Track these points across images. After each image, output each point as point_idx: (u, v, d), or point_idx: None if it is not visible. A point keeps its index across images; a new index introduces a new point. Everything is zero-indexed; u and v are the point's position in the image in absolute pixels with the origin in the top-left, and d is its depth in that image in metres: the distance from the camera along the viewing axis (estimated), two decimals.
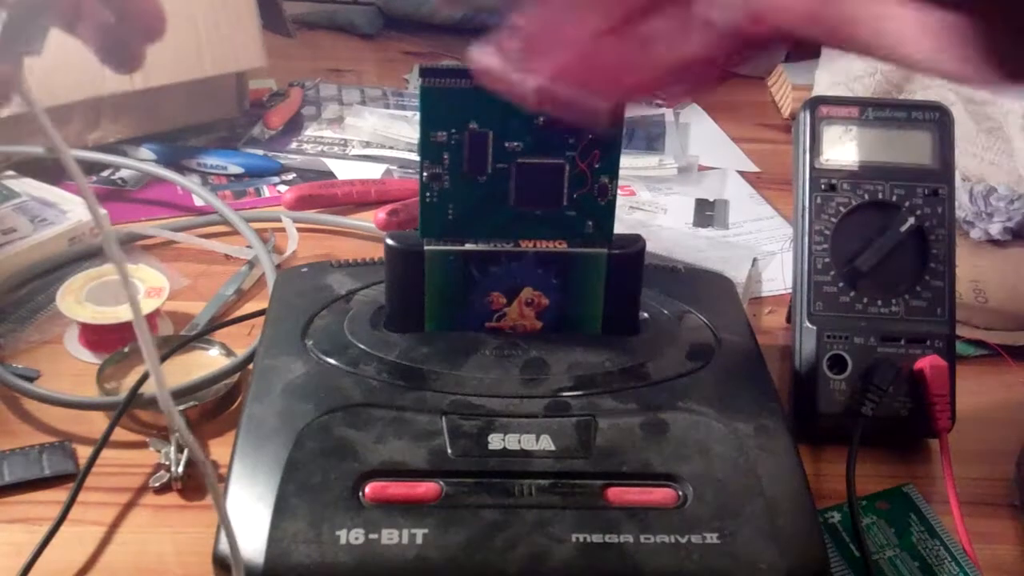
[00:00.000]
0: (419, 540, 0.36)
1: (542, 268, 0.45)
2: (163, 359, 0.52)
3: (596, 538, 0.37)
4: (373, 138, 0.81)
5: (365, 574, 0.36)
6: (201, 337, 0.56)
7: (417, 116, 0.42)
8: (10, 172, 0.69)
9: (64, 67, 0.64)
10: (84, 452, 0.49)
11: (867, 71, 0.78)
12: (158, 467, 0.47)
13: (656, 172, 0.82)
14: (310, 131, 0.83)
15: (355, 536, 0.36)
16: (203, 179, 0.75)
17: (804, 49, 0.35)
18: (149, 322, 0.57)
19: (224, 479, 0.39)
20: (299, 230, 0.69)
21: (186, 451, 0.47)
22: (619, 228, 0.45)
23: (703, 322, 0.49)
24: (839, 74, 0.81)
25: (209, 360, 0.55)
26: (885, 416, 0.50)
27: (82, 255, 0.63)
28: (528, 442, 0.40)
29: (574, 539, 0.37)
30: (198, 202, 0.72)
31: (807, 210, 0.53)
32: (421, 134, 0.42)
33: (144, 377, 0.50)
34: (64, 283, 0.57)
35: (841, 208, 0.52)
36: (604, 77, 0.32)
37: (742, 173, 0.83)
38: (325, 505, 0.38)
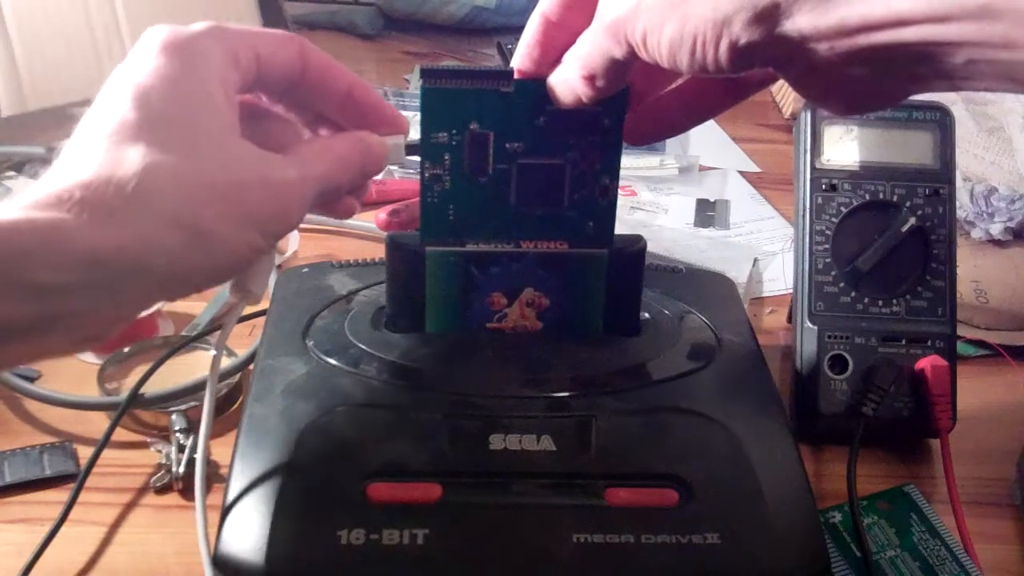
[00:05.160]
0: (420, 540, 0.36)
1: (543, 269, 0.45)
2: (164, 359, 0.52)
3: (596, 538, 0.37)
4: None
5: (366, 574, 0.36)
6: (202, 337, 0.56)
7: (418, 116, 0.42)
8: (10, 172, 0.69)
9: (64, 67, 0.65)
10: (85, 452, 0.49)
11: None
12: (159, 467, 0.47)
13: (657, 172, 0.82)
14: None
15: (356, 536, 0.36)
16: None
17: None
18: (149, 322, 0.57)
19: (225, 479, 0.39)
20: (300, 230, 0.69)
21: (186, 451, 0.48)
22: (620, 228, 0.45)
23: (704, 322, 0.49)
24: None
25: (210, 360, 0.55)
26: (886, 416, 0.50)
27: None
28: (529, 442, 0.40)
29: (574, 539, 0.37)
30: None
31: (808, 210, 0.53)
32: (422, 135, 0.42)
33: (145, 377, 0.51)
34: None
35: (842, 208, 0.52)
36: None
37: (743, 173, 0.83)
38: (326, 505, 0.37)
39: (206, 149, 0.33)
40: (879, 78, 0.30)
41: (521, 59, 0.40)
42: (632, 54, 0.33)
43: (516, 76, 0.40)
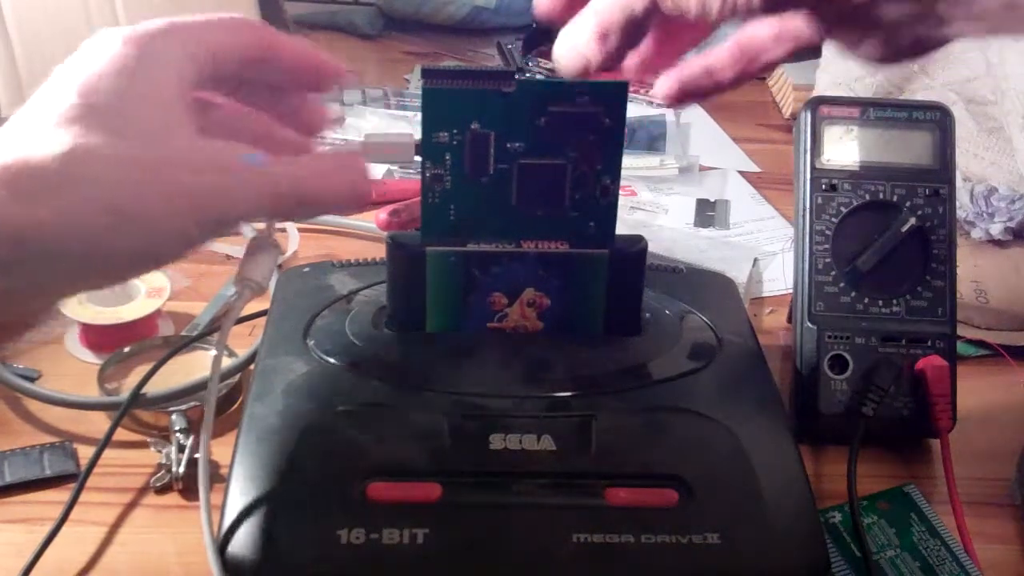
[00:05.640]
0: (420, 540, 0.36)
1: (544, 269, 0.45)
2: (164, 359, 0.52)
3: (596, 538, 0.37)
4: None
5: (366, 574, 0.36)
6: (202, 337, 0.56)
7: (418, 116, 0.42)
8: None
9: None
10: (85, 452, 0.49)
11: (868, 72, 0.78)
12: (159, 467, 0.47)
13: (657, 172, 0.82)
14: None
15: (356, 536, 0.36)
16: None
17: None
18: (149, 322, 0.57)
19: (225, 479, 0.39)
20: (300, 230, 0.69)
21: (187, 451, 0.47)
22: (620, 228, 0.45)
23: (704, 322, 0.49)
24: (840, 74, 0.81)
25: (210, 360, 0.55)
26: (886, 416, 0.50)
27: None
28: (529, 442, 0.40)
29: (574, 539, 0.37)
30: None
31: (808, 210, 0.53)
32: (423, 135, 0.42)
33: (146, 377, 0.51)
34: None
35: (842, 208, 0.52)
36: None
37: (743, 173, 0.83)
38: (326, 505, 0.38)
39: (144, 136, 0.32)
40: (914, 20, 0.30)
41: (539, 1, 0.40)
42: (652, 4, 0.34)
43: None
